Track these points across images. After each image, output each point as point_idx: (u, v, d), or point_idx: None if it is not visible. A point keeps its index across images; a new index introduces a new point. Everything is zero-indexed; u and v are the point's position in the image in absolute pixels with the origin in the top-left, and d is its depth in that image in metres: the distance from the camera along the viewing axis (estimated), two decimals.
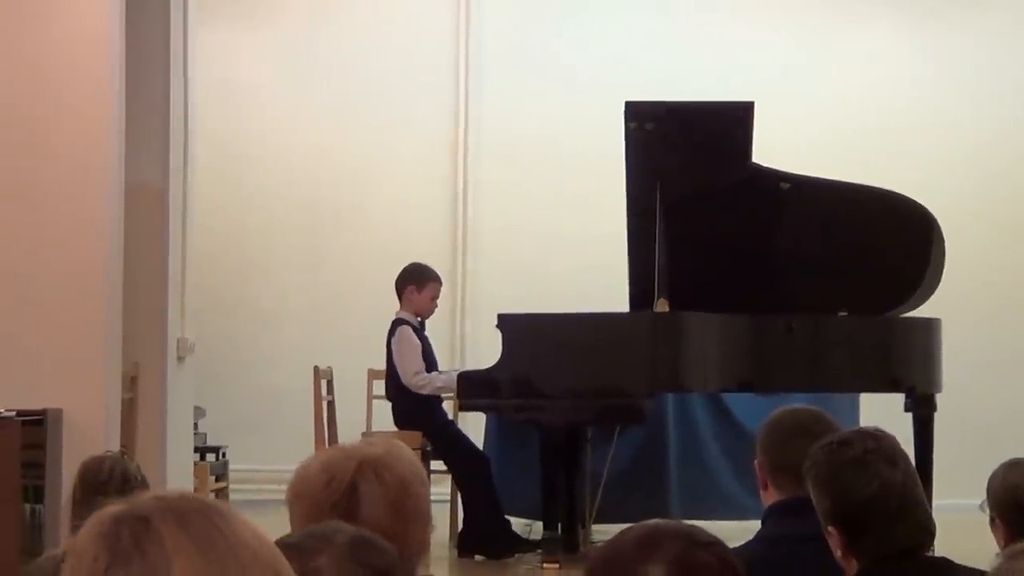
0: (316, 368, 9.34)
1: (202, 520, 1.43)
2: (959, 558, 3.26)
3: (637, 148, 8.18)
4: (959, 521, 5.10)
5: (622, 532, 2.24)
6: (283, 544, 2.05)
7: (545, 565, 8.03)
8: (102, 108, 7.83)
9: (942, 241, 8.42)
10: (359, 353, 9.97)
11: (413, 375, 8.76)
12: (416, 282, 9.00)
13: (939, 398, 8.38)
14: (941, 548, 3.30)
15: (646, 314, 8.14)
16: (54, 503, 7.08)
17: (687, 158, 8.33)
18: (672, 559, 2.14)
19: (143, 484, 3.95)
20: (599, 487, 8.74)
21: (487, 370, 8.22)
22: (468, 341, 11.74)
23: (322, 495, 2.55)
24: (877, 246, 8.48)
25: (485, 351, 9.62)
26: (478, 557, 8.54)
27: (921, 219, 8.40)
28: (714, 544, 2.19)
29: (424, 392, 8.78)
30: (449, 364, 10.59)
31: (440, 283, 9.15)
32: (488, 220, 11.92)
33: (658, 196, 8.15)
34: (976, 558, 3.28)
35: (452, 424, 9.13)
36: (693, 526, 2.28)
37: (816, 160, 9.95)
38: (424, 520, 2.63)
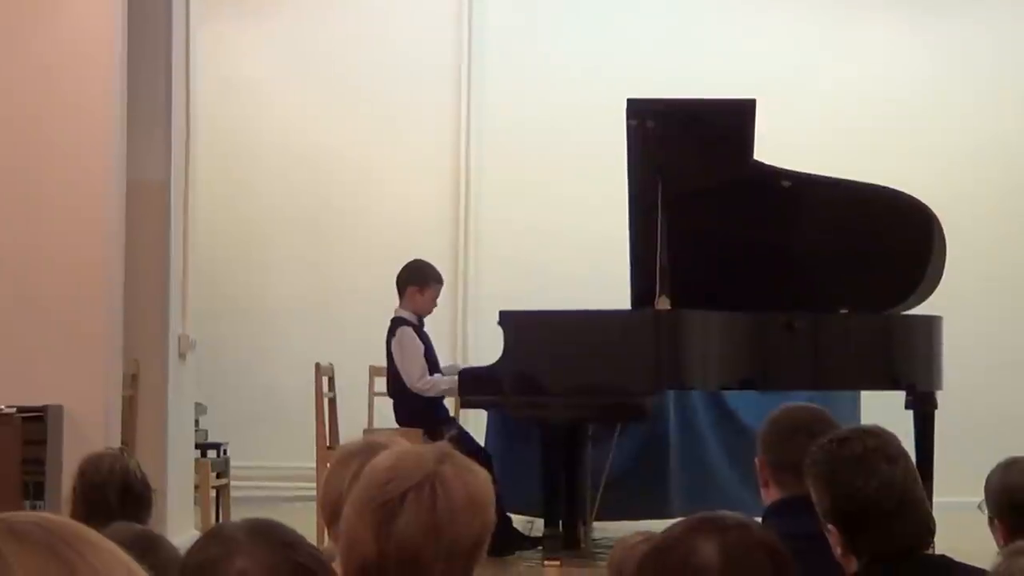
0: (317, 365, 9.33)
1: (47, 538, 1.41)
2: (959, 556, 3.26)
3: (638, 145, 8.18)
4: (959, 519, 5.10)
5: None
6: (192, 566, 2.05)
7: (546, 563, 8.03)
8: (104, 104, 7.83)
9: (943, 239, 8.42)
10: (361, 350, 9.98)
11: (418, 379, 8.76)
12: (419, 284, 8.98)
13: (940, 396, 8.38)
14: (941, 546, 3.30)
15: (648, 312, 8.14)
16: (54, 499, 7.07)
17: (688, 155, 8.32)
18: (724, 544, 2.14)
19: (143, 482, 3.94)
20: (600, 484, 8.73)
21: (488, 367, 8.22)
22: (470, 338, 11.74)
23: (375, 491, 2.50)
24: (878, 244, 8.47)
25: (486, 348, 9.61)
26: None
27: (922, 216, 8.40)
28: (774, 547, 2.19)
29: (430, 395, 8.78)
30: (451, 361, 10.58)
31: (442, 284, 9.15)
32: (490, 217, 11.91)
33: (660, 193, 8.14)
34: (976, 556, 3.28)
35: (453, 421, 9.13)
36: (755, 522, 2.28)
37: (818, 156, 9.94)
38: (461, 556, 2.49)
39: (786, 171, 8.36)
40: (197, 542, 2.15)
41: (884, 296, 8.42)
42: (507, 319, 8.13)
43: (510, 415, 8.65)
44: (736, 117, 8.25)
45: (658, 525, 8.47)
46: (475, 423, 9.48)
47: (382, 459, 2.59)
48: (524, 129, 11.85)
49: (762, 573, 2.18)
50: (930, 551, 3.22)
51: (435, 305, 9.09)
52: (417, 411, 8.77)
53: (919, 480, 3.24)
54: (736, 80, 10.68)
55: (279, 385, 11.48)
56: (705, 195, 8.40)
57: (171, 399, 8.74)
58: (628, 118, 8.12)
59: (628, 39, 11.86)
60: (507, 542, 8.55)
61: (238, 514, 9.78)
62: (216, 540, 2.08)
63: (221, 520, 9.68)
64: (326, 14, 12.06)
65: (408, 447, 2.72)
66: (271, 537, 2.05)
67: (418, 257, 9.28)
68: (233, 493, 9.97)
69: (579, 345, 8.02)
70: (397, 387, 8.87)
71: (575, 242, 11.59)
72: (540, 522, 8.42)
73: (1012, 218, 11.76)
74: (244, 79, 11.92)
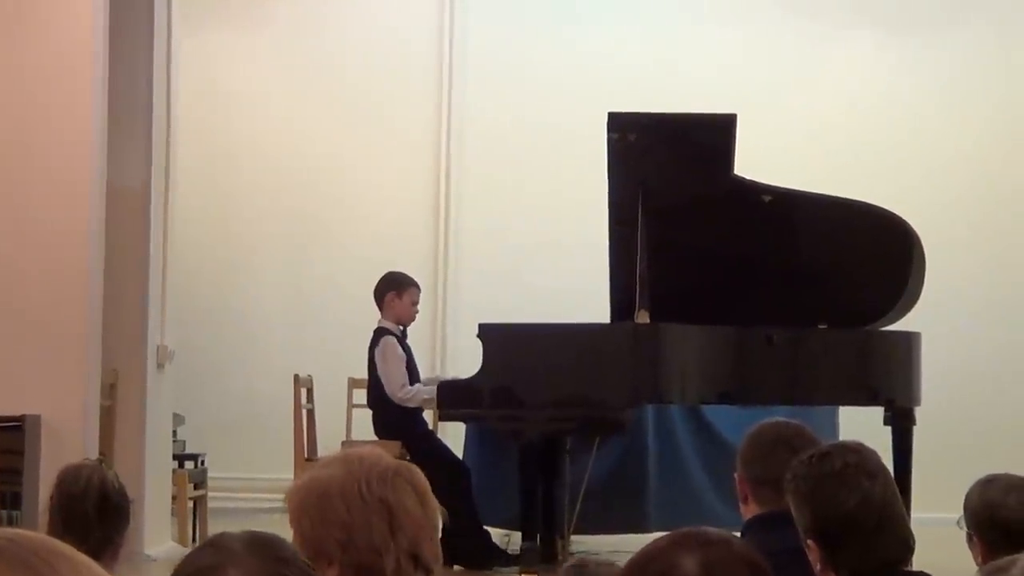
0: (296, 376, 9.32)
1: (21, 554, 1.41)
2: (938, 572, 3.26)
3: (619, 159, 8.18)
4: (938, 535, 5.11)
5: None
6: (186, 572, 2.06)
7: None
8: (85, 112, 7.81)
9: (922, 255, 8.43)
10: (339, 362, 9.97)
11: (400, 388, 8.75)
12: (396, 288, 8.99)
13: (918, 412, 8.39)
14: (920, 562, 3.30)
15: (626, 325, 8.13)
16: (31, 510, 7.05)
17: (669, 169, 8.32)
18: (706, 558, 2.15)
19: (121, 493, 3.93)
20: (578, 498, 8.73)
21: (467, 380, 8.21)
22: (449, 348, 11.73)
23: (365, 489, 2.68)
24: (858, 259, 8.48)
25: (466, 359, 9.60)
26: (456, 568, 8.53)
27: (901, 232, 8.41)
28: (755, 562, 2.20)
29: (411, 405, 8.77)
30: (430, 372, 10.58)
31: (419, 288, 9.15)
32: (470, 228, 11.91)
33: (640, 207, 8.14)
34: (954, 573, 3.29)
35: (432, 434, 9.12)
36: (737, 537, 2.29)
37: (797, 172, 9.95)
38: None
39: (767, 186, 8.36)
40: (196, 548, 2.17)
41: (863, 311, 8.43)
42: (486, 332, 8.13)
43: (489, 428, 8.64)
44: (717, 131, 8.26)
45: (636, 539, 8.48)
46: (454, 436, 9.47)
47: (354, 453, 2.77)
48: (505, 141, 11.86)
49: None
50: (909, 567, 3.22)
51: (416, 310, 9.09)
52: (396, 423, 8.76)
53: (899, 496, 3.24)
54: (717, 95, 10.69)
55: (257, 396, 11.46)
56: (685, 209, 8.40)
57: (149, 409, 8.72)
58: (609, 131, 8.12)
59: (609, 52, 11.87)
60: (485, 555, 8.55)
61: (215, 526, 9.76)
62: (213, 548, 2.09)
63: (198, 531, 9.66)
64: (309, 24, 12.06)
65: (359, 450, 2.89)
66: (267, 551, 2.06)
67: (396, 269, 9.29)
68: (210, 504, 9.93)
69: (558, 358, 8.01)
70: (377, 398, 8.86)
71: (555, 253, 11.59)
72: (518, 535, 8.41)
73: (990, 234, 11.80)
74: (226, 87, 11.91)
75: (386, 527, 2.65)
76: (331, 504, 2.66)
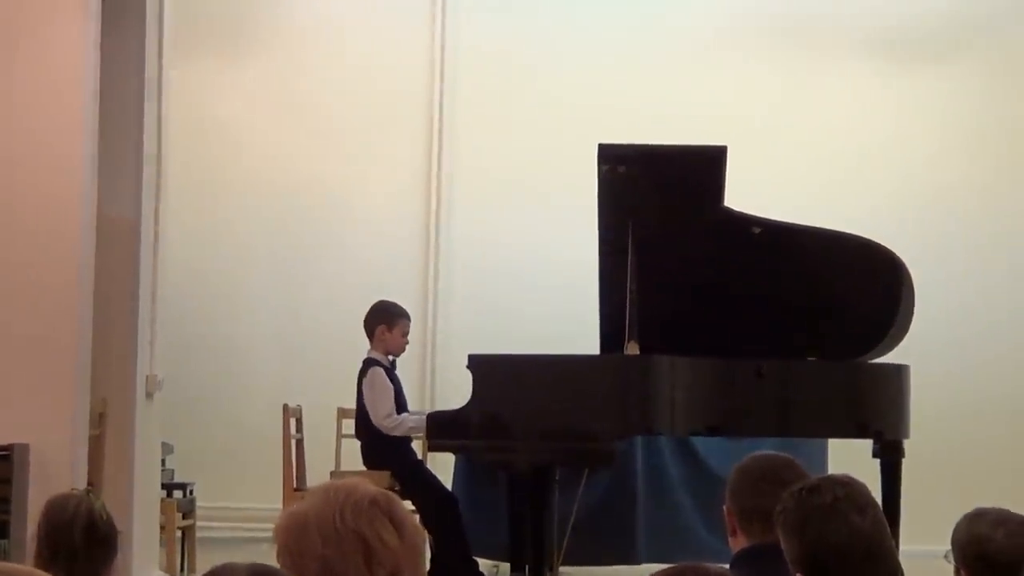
0: (285, 406, 9.31)
1: None
2: None
3: (609, 190, 8.18)
4: (925, 568, 5.11)
5: None
6: None
7: None
8: (75, 141, 7.80)
9: (912, 287, 8.43)
10: (329, 391, 9.96)
11: (384, 417, 8.74)
12: (387, 321, 8.99)
13: (907, 444, 8.38)
14: None
15: (616, 357, 8.13)
16: (20, 538, 7.03)
17: (659, 201, 8.32)
18: None
19: (108, 523, 3.92)
20: (567, 529, 8.71)
21: (456, 411, 8.19)
22: (438, 379, 11.72)
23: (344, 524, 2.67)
24: (847, 292, 8.48)
25: (455, 389, 9.59)
26: None
27: (891, 265, 8.41)
28: None
29: (396, 434, 8.76)
30: (419, 401, 10.58)
31: (410, 320, 9.15)
32: (460, 258, 11.92)
33: (630, 238, 8.14)
34: None
35: (421, 464, 9.11)
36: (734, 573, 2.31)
37: (787, 203, 9.96)
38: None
39: (757, 218, 8.37)
40: None
41: (853, 344, 8.43)
42: (476, 362, 8.11)
43: (477, 459, 8.62)
44: (708, 163, 8.26)
45: (625, 570, 8.43)
46: (444, 467, 9.45)
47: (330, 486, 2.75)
48: (495, 170, 11.87)
49: None
50: None
51: (407, 341, 9.09)
52: (385, 453, 8.75)
53: (888, 530, 3.24)
54: (708, 126, 10.72)
55: (247, 425, 11.44)
56: (676, 240, 8.40)
57: (138, 438, 8.69)
58: (599, 163, 8.12)
59: (599, 83, 11.90)
60: None
61: (203, 555, 9.75)
62: None
63: (186, 561, 9.63)
64: (300, 55, 12.08)
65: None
66: None
67: (386, 298, 9.29)
68: (199, 534, 9.92)
69: (548, 389, 7.99)
70: (366, 429, 8.85)
71: (545, 283, 11.59)
72: (506, 566, 8.39)
73: (978, 266, 11.81)
74: (216, 118, 11.92)
75: (361, 560, 2.65)
76: (308, 538, 2.67)
